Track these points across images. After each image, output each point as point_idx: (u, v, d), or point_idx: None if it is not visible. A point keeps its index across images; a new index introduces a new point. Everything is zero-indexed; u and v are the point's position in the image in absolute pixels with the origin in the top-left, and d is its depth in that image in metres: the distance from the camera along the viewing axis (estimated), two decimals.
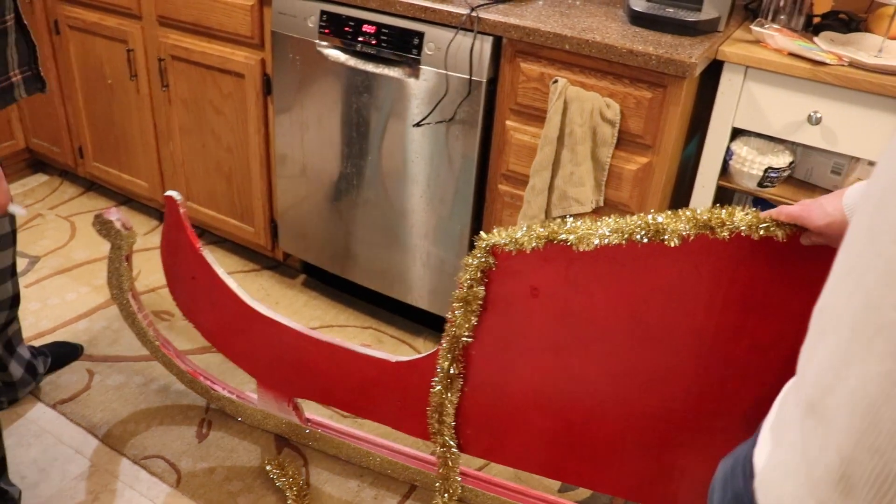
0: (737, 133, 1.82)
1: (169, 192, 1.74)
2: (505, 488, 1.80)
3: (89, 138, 2.83)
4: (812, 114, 1.66)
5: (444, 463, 1.71)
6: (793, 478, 0.68)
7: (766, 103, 1.71)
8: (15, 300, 1.90)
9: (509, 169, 1.96)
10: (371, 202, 2.22)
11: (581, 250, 1.27)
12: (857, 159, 1.77)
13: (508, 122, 1.92)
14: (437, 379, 1.57)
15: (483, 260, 1.36)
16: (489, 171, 2.02)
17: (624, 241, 1.25)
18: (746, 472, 0.84)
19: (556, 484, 1.88)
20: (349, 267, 2.39)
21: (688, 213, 1.22)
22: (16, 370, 1.98)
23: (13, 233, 1.80)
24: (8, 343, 1.94)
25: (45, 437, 1.95)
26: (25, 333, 2.29)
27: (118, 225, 1.76)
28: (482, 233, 1.36)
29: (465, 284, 1.40)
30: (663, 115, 1.72)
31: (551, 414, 1.52)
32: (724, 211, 1.20)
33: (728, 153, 1.81)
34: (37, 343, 2.24)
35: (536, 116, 1.87)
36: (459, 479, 1.75)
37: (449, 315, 1.46)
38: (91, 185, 3.09)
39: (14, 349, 1.97)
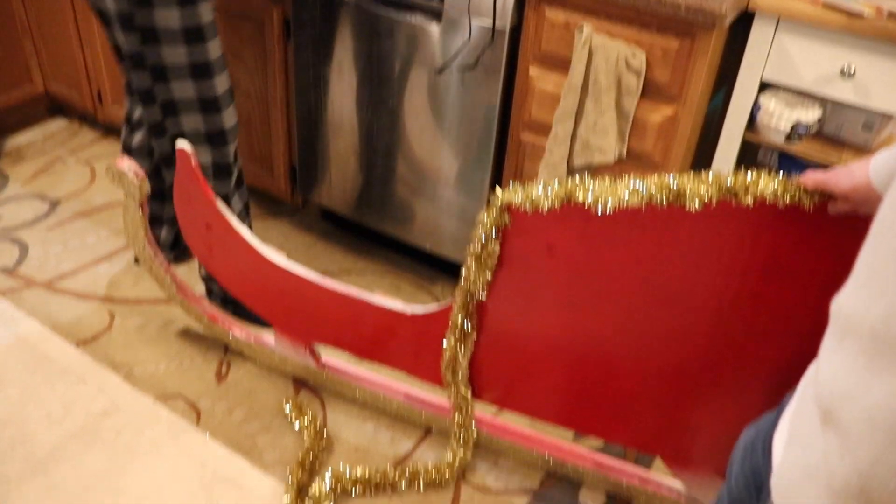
0: (765, 86, 1.79)
1: (180, 145, 1.73)
2: (519, 434, 1.82)
3: (108, 83, 2.82)
4: (845, 67, 1.62)
5: (458, 410, 1.73)
6: (813, 483, 0.67)
7: (798, 56, 1.68)
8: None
9: (532, 117, 1.94)
10: (392, 149, 2.21)
11: (599, 211, 1.25)
12: (890, 116, 1.74)
13: (532, 71, 1.89)
14: (450, 333, 1.58)
15: (498, 217, 1.35)
16: (511, 120, 2.00)
17: (643, 204, 1.22)
18: (766, 449, 0.83)
19: (571, 431, 1.90)
20: (368, 213, 2.39)
21: (711, 176, 1.19)
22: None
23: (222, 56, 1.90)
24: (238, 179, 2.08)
25: (69, 375, 1.99)
26: (47, 275, 2.32)
27: (131, 174, 1.76)
28: (497, 189, 1.34)
29: (480, 241, 1.39)
30: (690, 65, 1.69)
31: (566, 368, 1.53)
32: (749, 175, 1.17)
33: (755, 106, 1.78)
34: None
35: (560, 65, 1.84)
36: (474, 424, 1.77)
37: (463, 271, 1.46)
38: (110, 130, 3.09)
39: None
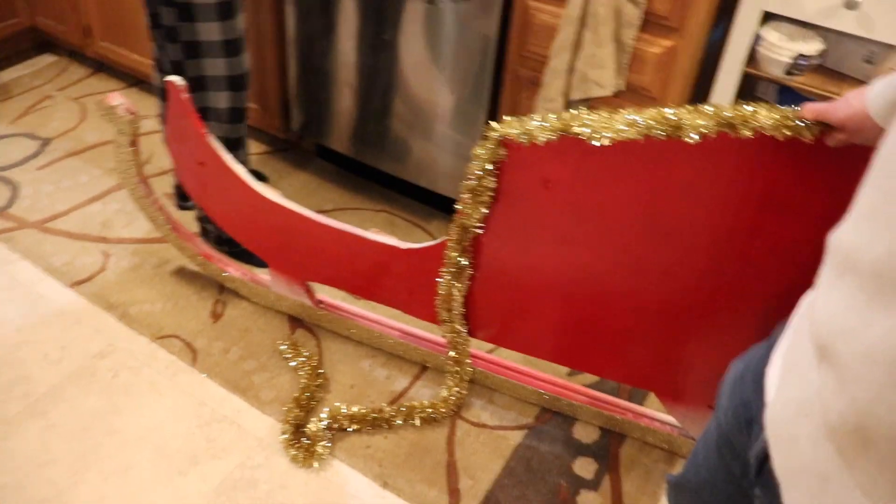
0: (767, 17, 1.74)
1: (170, 78, 1.69)
2: (515, 371, 1.83)
3: (97, 16, 2.75)
4: None
5: (453, 347, 1.73)
6: (807, 418, 0.66)
7: None
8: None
9: (529, 50, 1.89)
10: (388, 84, 2.17)
11: (595, 144, 1.23)
12: (893, 48, 1.70)
13: (529, 1, 1.84)
14: (445, 269, 1.57)
15: (494, 151, 1.33)
16: (508, 53, 1.95)
17: (641, 137, 1.20)
18: (756, 382, 0.83)
19: (565, 368, 1.91)
20: (363, 149, 2.36)
21: (709, 108, 1.16)
22: None
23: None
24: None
25: (65, 316, 1.99)
26: (39, 215, 2.30)
27: (121, 110, 1.72)
28: (493, 123, 1.31)
29: (475, 175, 1.37)
30: None
31: (561, 303, 1.53)
32: (748, 108, 1.14)
33: (756, 38, 1.74)
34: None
35: None
36: (469, 361, 1.78)
37: (458, 205, 1.44)
38: (100, 66, 3.03)
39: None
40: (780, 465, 0.71)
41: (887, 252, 0.57)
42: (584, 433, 1.78)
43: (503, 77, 2.00)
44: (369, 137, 2.31)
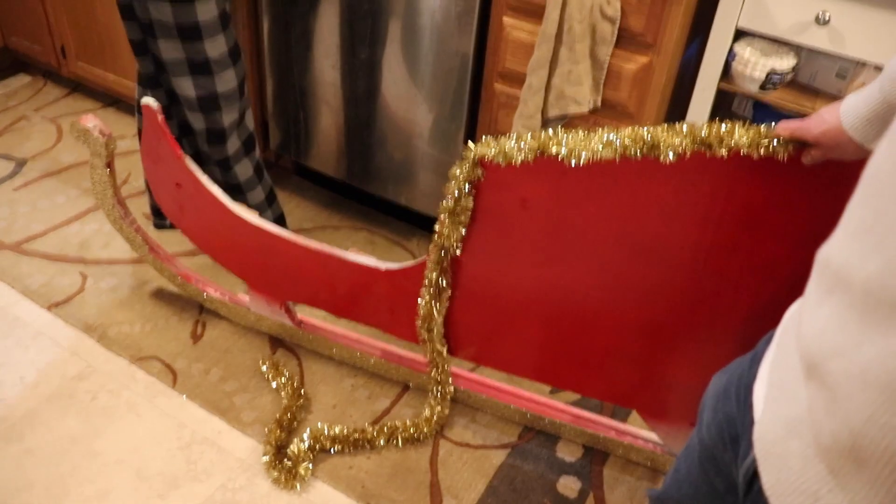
0: (740, 34, 1.76)
1: (145, 100, 1.69)
2: (497, 389, 1.83)
3: (72, 37, 2.73)
4: (821, 14, 1.60)
5: (434, 366, 1.73)
6: (798, 438, 0.65)
7: (773, 3, 1.65)
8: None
9: (506, 67, 1.90)
10: (366, 102, 2.17)
11: (572, 164, 1.23)
12: (864, 63, 1.72)
13: (505, 18, 1.85)
14: (424, 289, 1.56)
15: (471, 171, 1.33)
16: (485, 70, 1.96)
17: (617, 157, 1.21)
18: (741, 397, 0.82)
19: (548, 386, 1.91)
20: (342, 167, 2.35)
21: (685, 127, 1.17)
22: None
23: None
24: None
25: (42, 339, 1.96)
26: (16, 236, 2.28)
27: (96, 132, 1.71)
28: (470, 143, 1.32)
29: (453, 195, 1.37)
30: (665, 12, 1.66)
31: (541, 323, 1.53)
32: (723, 126, 1.15)
33: (730, 54, 1.76)
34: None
35: (534, 12, 1.80)
36: (451, 380, 1.78)
37: (437, 226, 1.44)
38: (76, 86, 3.01)
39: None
40: (770, 483, 0.70)
41: (879, 271, 0.57)
42: (568, 451, 1.78)
43: (481, 94, 2.00)
44: (348, 155, 2.31)
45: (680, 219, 1.26)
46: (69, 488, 1.63)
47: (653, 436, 1.73)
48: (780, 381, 0.73)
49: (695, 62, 1.83)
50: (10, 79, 3.04)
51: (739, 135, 1.14)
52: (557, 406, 1.80)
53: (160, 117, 1.69)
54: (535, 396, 1.82)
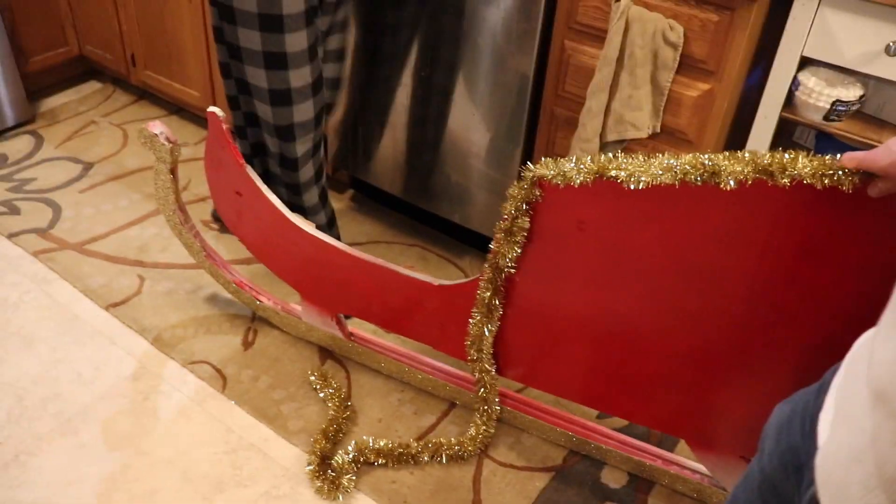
0: (805, 62, 1.73)
1: (211, 109, 1.73)
2: (543, 411, 1.82)
3: (141, 46, 2.82)
4: (891, 44, 1.56)
5: (482, 385, 1.72)
6: (860, 466, 0.64)
7: (841, 31, 1.62)
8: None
9: (565, 90, 1.91)
10: (424, 120, 2.19)
11: (631, 188, 1.22)
12: None
13: (567, 42, 1.86)
14: (476, 309, 1.57)
15: (529, 191, 1.33)
16: (545, 92, 1.96)
17: (677, 182, 1.20)
18: (806, 428, 0.81)
19: (595, 410, 1.89)
20: (398, 183, 2.38)
21: (747, 155, 1.15)
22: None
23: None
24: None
25: (99, 337, 2.02)
26: (79, 237, 2.35)
27: (162, 139, 1.76)
28: (529, 164, 1.32)
29: (510, 215, 1.38)
30: (729, 39, 1.65)
31: (591, 346, 1.52)
32: (786, 155, 1.13)
33: (794, 83, 1.74)
34: None
35: (596, 36, 1.80)
36: (498, 400, 1.77)
37: (492, 245, 1.45)
38: (143, 94, 3.10)
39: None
40: (826, 496, 0.69)
41: None
42: (613, 478, 1.76)
43: (539, 116, 2.01)
44: (404, 172, 2.33)
45: (738, 247, 1.25)
46: (118, 485, 1.67)
47: (700, 467, 1.70)
48: (847, 410, 0.71)
49: (757, 90, 1.81)
50: (82, 85, 3.15)
51: (803, 164, 1.11)
52: (604, 431, 1.78)
53: (225, 126, 1.73)
54: (582, 420, 1.81)
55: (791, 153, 1.13)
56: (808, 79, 1.72)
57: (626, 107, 1.78)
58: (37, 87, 3.00)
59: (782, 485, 0.84)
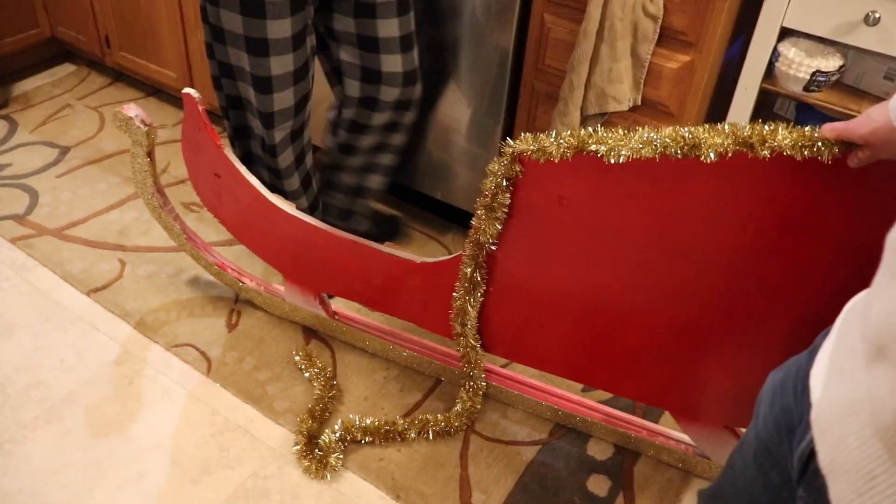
0: (785, 33, 1.73)
1: (186, 90, 1.70)
2: (529, 386, 1.83)
3: (116, 27, 2.78)
4: (870, 13, 1.56)
5: (467, 362, 1.73)
6: (856, 418, 0.66)
7: (820, 2, 1.62)
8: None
9: (545, 64, 1.90)
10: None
11: (611, 162, 1.22)
12: None
13: (546, 15, 1.84)
14: (459, 285, 1.57)
15: (509, 167, 1.33)
16: (524, 66, 1.95)
17: (657, 155, 1.20)
18: (798, 388, 0.82)
19: (580, 384, 1.90)
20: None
21: (727, 127, 1.16)
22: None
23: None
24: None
25: (81, 323, 2.00)
26: (58, 223, 2.32)
27: (137, 121, 1.73)
28: (508, 139, 1.31)
29: (490, 191, 1.37)
30: (709, 10, 1.64)
31: (575, 320, 1.52)
32: (766, 127, 1.13)
33: (774, 54, 1.73)
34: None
35: (576, 9, 1.79)
36: (483, 375, 1.78)
37: (473, 221, 1.44)
38: (119, 76, 3.06)
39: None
40: (827, 462, 0.72)
41: None
42: (599, 450, 1.78)
43: (520, 91, 2.00)
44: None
45: (719, 220, 1.25)
46: (105, 471, 1.66)
47: (684, 437, 1.71)
48: (840, 366, 0.73)
49: (737, 61, 1.81)
50: (56, 68, 3.10)
51: (783, 136, 1.12)
52: (589, 404, 1.80)
53: (201, 107, 1.71)
54: (567, 394, 1.82)
55: (771, 125, 1.13)
56: (788, 49, 1.72)
57: (607, 80, 1.77)
58: (8, 70, 2.95)
59: (777, 448, 0.86)
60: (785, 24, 1.68)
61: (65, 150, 2.64)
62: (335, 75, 2.01)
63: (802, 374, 0.83)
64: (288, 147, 1.92)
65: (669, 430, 1.75)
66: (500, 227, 1.42)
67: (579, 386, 1.90)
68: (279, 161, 1.92)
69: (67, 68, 3.10)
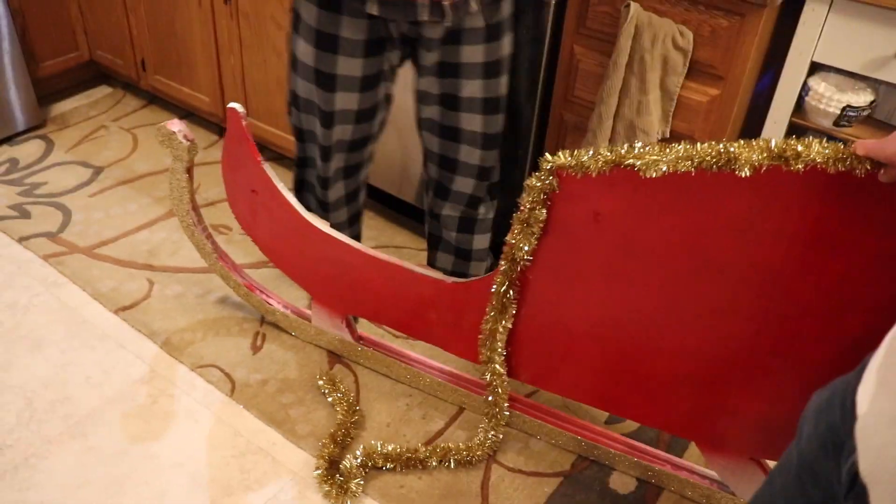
0: (815, 68, 1.73)
1: (231, 105, 1.73)
2: (552, 415, 1.81)
3: (152, 51, 2.84)
4: None
5: (493, 389, 1.72)
6: None
7: (851, 37, 1.62)
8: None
9: (575, 95, 1.91)
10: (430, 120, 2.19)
11: (648, 176, 1.23)
12: None
13: (576, 47, 1.86)
14: (491, 303, 1.57)
15: (547, 182, 1.34)
16: (553, 97, 1.97)
17: (693, 169, 1.21)
18: (846, 406, 0.83)
19: (604, 415, 1.89)
20: (406, 187, 2.38)
21: (762, 142, 1.17)
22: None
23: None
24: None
25: (108, 341, 2.02)
26: (89, 241, 2.35)
27: (180, 136, 1.76)
28: (547, 154, 1.33)
29: (527, 206, 1.39)
30: (738, 45, 1.65)
31: (604, 344, 1.52)
32: (800, 142, 1.14)
33: (804, 89, 1.73)
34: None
35: (605, 41, 1.81)
36: (507, 404, 1.77)
37: (508, 238, 1.45)
38: (153, 98, 3.11)
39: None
40: (867, 471, 0.73)
41: None
42: (621, 484, 1.75)
43: (548, 121, 2.01)
44: (411, 175, 2.33)
45: (752, 236, 1.26)
46: (126, 488, 1.67)
47: (710, 472, 1.69)
48: (888, 381, 0.74)
49: (767, 95, 1.81)
50: (92, 90, 3.16)
51: (816, 150, 1.13)
52: (612, 436, 1.78)
53: (245, 122, 1.74)
54: (590, 425, 1.80)
55: (804, 140, 1.15)
56: (818, 84, 1.72)
57: (636, 112, 1.78)
58: (47, 91, 3.02)
59: (820, 466, 0.86)
60: (815, 59, 1.68)
61: (98, 171, 2.69)
62: None
63: (850, 391, 0.83)
64: (339, 181, 1.92)
65: (694, 464, 1.73)
66: (535, 243, 1.43)
67: (602, 418, 1.88)
68: (329, 194, 1.93)
69: (104, 90, 3.17)
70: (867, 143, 1.09)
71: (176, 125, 1.76)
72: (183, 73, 2.79)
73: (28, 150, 2.77)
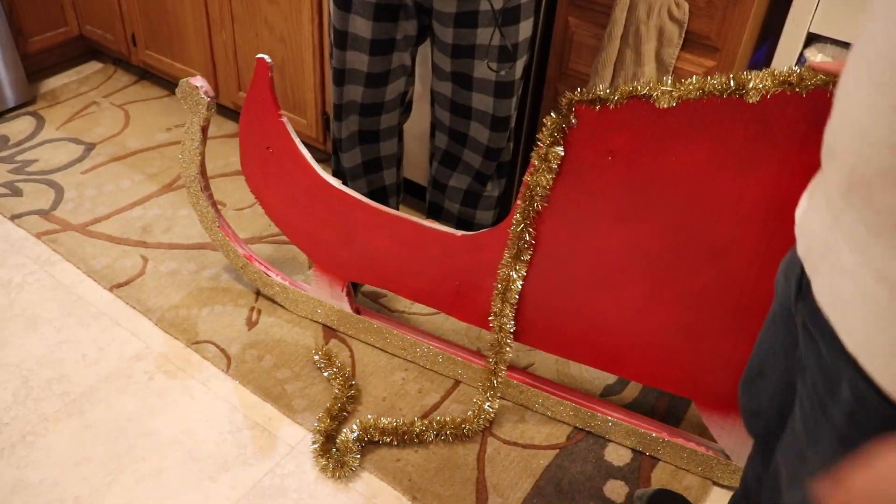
0: (811, 39, 1.72)
1: (260, 55, 1.71)
2: (548, 385, 1.82)
3: (142, 26, 2.80)
4: None
5: (496, 350, 1.72)
6: (817, 210, 0.84)
7: (847, 7, 1.61)
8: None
9: (569, 67, 1.89)
10: (424, 97, 2.18)
11: (661, 106, 1.28)
12: None
13: (570, 18, 1.84)
14: (507, 249, 1.59)
15: (565, 117, 1.37)
16: (548, 70, 1.95)
17: (704, 96, 1.26)
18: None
19: (599, 389, 1.90)
20: (420, 171, 2.36)
21: (768, 70, 1.24)
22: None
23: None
24: None
25: (103, 318, 2.02)
26: (82, 218, 2.34)
27: (202, 91, 1.77)
28: (567, 92, 1.37)
29: (545, 142, 1.42)
30: (735, 15, 1.63)
31: (611, 295, 1.55)
32: (804, 69, 1.21)
33: (800, 60, 1.72)
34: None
35: (600, 13, 1.79)
36: (505, 370, 1.77)
37: (526, 177, 1.48)
38: (144, 74, 3.09)
39: None
40: (804, 254, 0.87)
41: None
42: (617, 455, 1.77)
43: (543, 93, 2.00)
44: (410, 154, 2.32)
45: (757, 166, 1.30)
46: (124, 465, 1.68)
47: (704, 440, 1.70)
48: (811, 191, 0.90)
49: (763, 67, 1.79)
50: (82, 66, 3.13)
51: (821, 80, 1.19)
52: (609, 405, 1.79)
53: (270, 74, 1.72)
54: (587, 395, 1.81)
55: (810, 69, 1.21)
56: (815, 55, 1.71)
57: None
58: (37, 67, 2.99)
59: (790, 301, 0.95)
60: (812, 30, 1.67)
61: (90, 147, 2.67)
62: None
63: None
64: (355, 148, 1.93)
65: (689, 434, 1.74)
66: (552, 179, 1.46)
67: (597, 392, 1.89)
68: (343, 158, 1.95)
69: (94, 66, 3.14)
70: (818, 62, 1.21)
71: (199, 80, 1.78)
72: (174, 47, 2.76)
73: (18, 127, 2.75)
